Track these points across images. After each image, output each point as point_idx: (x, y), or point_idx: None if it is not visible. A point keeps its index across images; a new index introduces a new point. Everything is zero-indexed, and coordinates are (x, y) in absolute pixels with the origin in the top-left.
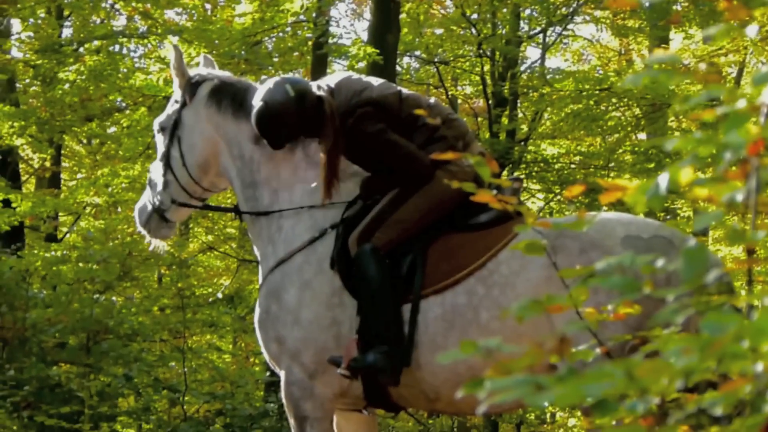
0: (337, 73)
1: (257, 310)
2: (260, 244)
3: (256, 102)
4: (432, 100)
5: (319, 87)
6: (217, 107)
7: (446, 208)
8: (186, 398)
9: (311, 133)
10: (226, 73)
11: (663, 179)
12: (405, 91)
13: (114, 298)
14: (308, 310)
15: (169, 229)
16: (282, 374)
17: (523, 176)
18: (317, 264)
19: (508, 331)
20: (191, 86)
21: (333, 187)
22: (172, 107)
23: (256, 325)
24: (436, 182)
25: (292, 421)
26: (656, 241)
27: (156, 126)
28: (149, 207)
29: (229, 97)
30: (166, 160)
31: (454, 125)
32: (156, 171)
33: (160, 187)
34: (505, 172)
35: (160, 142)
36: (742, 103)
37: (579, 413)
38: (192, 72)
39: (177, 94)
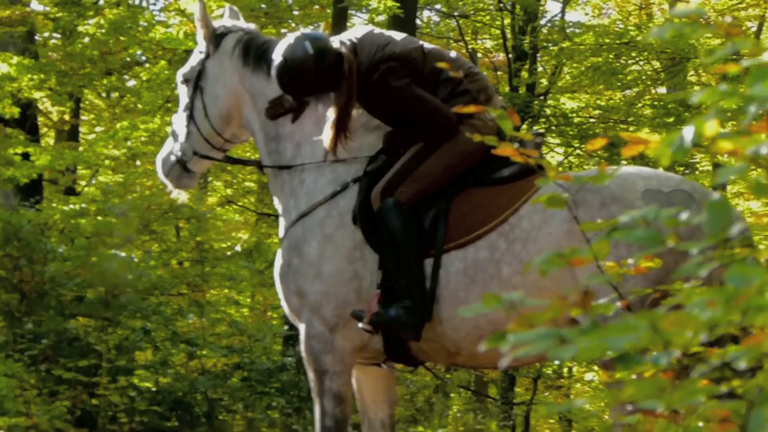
0: (358, 27)
1: (278, 263)
2: (282, 197)
3: (276, 57)
4: (453, 54)
5: (341, 42)
6: (243, 59)
7: (469, 163)
8: (204, 352)
9: (330, 88)
10: (251, 25)
11: (688, 132)
12: (427, 45)
13: (133, 255)
14: (329, 264)
15: (191, 179)
16: (302, 327)
17: (543, 131)
18: (339, 218)
19: (529, 285)
20: (216, 37)
21: (339, 143)
22: (196, 58)
23: (277, 278)
24: (459, 136)
25: (311, 374)
26: (677, 195)
27: (179, 77)
28: (172, 158)
29: (256, 50)
30: (190, 111)
31: (476, 79)
32: (178, 122)
33: (182, 138)
34: (524, 126)
35: (183, 93)
36: (767, 56)
37: (597, 367)
38: (217, 23)
39: (201, 45)
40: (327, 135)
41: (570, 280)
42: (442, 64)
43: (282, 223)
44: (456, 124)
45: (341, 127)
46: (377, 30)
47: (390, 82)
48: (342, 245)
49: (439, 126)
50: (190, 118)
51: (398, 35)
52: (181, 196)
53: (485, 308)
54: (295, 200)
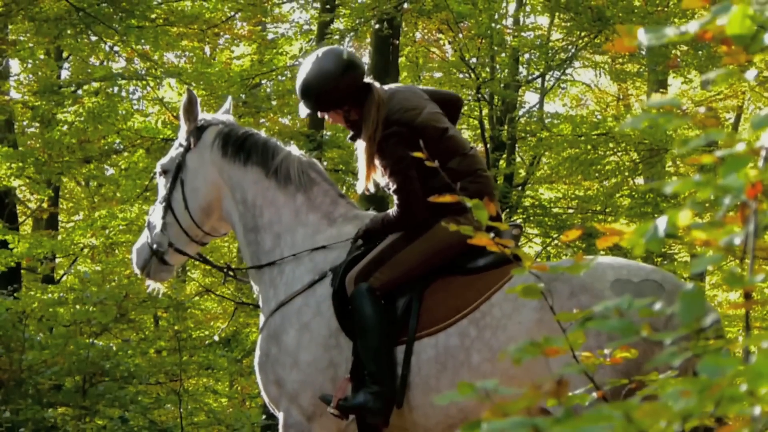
0: (405, 85)
1: (257, 352)
2: (262, 287)
3: (307, 69)
4: (473, 150)
5: (375, 83)
6: (222, 152)
7: (447, 255)
8: None
9: (355, 105)
10: (229, 117)
11: (662, 222)
12: (452, 130)
13: (112, 344)
14: (306, 352)
15: (168, 272)
16: (280, 416)
17: (520, 221)
18: (316, 306)
19: (499, 373)
20: (197, 130)
21: (372, 176)
22: (175, 150)
23: (256, 368)
24: (439, 229)
25: None
26: (646, 285)
27: (158, 168)
28: (147, 249)
29: (235, 142)
30: (168, 202)
31: (481, 181)
32: (156, 213)
33: (158, 229)
34: (503, 216)
35: (162, 184)
36: (741, 147)
37: None
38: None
39: (181, 137)
40: (362, 168)
41: (540, 369)
42: (417, 154)
43: (262, 312)
44: (423, 220)
45: (372, 159)
46: (419, 91)
47: (389, 146)
48: (318, 333)
49: (404, 213)
50: (168, 209)
51: (433, 108)
52: (156, 287)
53: (459, 396)
54: (275, 290)
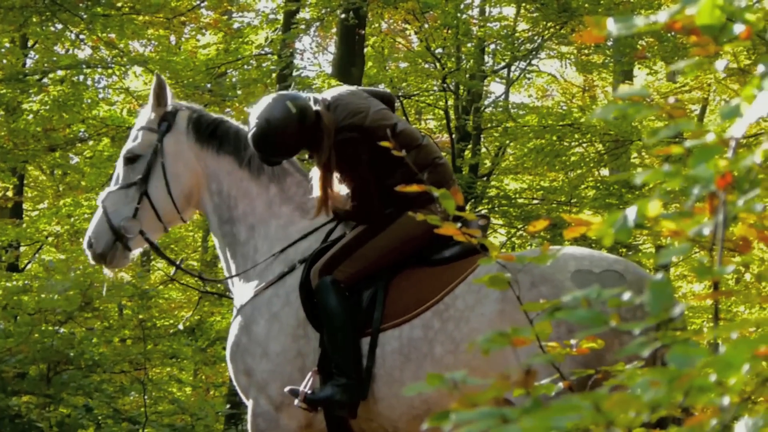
0: (341, 87)
1: (229, 342)
2: (232, 267)
3: (256, 119)
4: (426, 140)
5: (316, 101)
6: (196, 138)
7: (413, 246)
8: (146, 430)
9: (308, 147)
10: (195, 105)
11: (631, 212)
12: (402, 124)
13: (76, 332)
14: (276, 342)
15: (128, 259)
16: (249, 405)
17: (485, 211)
18: (285, 296)
19: (461, 365)
20: (168, 114)
21: (327, 203)
22: (145, 135)
23: (228, 357)
24: (405, 219)
25: None
26: (607, 275)
27: (126, 153)
28: (110, 234)
29: (206, 129)
30: (144, 188)
31: (439, 170)
32: (118, 198)
33: (128, 215)
34: (468, 207)
35: (125, 169)
36: (710, 137)
37: None
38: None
39: (147, 122)
40: (316, 196)
41: (503, 361)
42: (384, 143)
43: (234, 303)
44: (380, 219)
45: (327, 186)
46: (359, 92)
47: (345, 151)
48: (287, 323)
49: (359, 214)
50: (144, 195)
51: (377, 105)
52: (111, 274)
53: (428, 387)
54: (248, 281)
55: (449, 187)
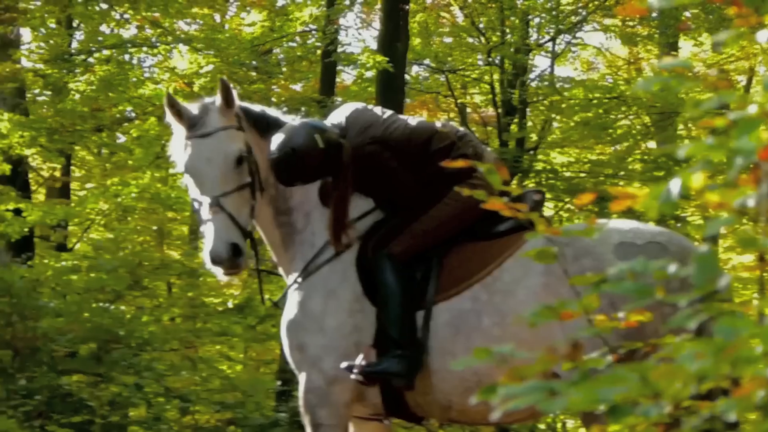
0: (346, 107)
1: (283, 318)
2: (290, 257)
3: (281, 146)
4: (438, 123)
5: (333, 126)
6: (257, 131)
7: (465, 220)
8: (197, 407)
9: (328, 176)
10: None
11: (675, 184)
12: (412, 121)
13: (122, 307)
14: (332, 318)
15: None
16: (301, 381)
17: (532, 185)
18: (342, 272)
19: (508, 337)
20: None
21: (342, 234)
22: (237, 135)
23: (282, 334)
24: (455, 195)
25: (308, 428)
26: (650, 247)
27: (237, 154)
28: (240, 237)
29: (258, 121)
30: (259, 185)
31: (467, 141)
32: (235, 201)
33: (246, 215)
34: (514, 181)
35: (233, 172)
36: (753, 109)
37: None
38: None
39: (227, 121)
40: (331, 232)
41: (548, 333)
42: (448, 163)
43: (289, 280)
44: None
45: (341, 219)
46: (364, 108)
47: (372, 165)
48: (344, 299)
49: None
50: (254, 192)
51: (383, 113)
52: (226, 279)
53: (476, 361)
54: (303, 258)
55: (480, 151)
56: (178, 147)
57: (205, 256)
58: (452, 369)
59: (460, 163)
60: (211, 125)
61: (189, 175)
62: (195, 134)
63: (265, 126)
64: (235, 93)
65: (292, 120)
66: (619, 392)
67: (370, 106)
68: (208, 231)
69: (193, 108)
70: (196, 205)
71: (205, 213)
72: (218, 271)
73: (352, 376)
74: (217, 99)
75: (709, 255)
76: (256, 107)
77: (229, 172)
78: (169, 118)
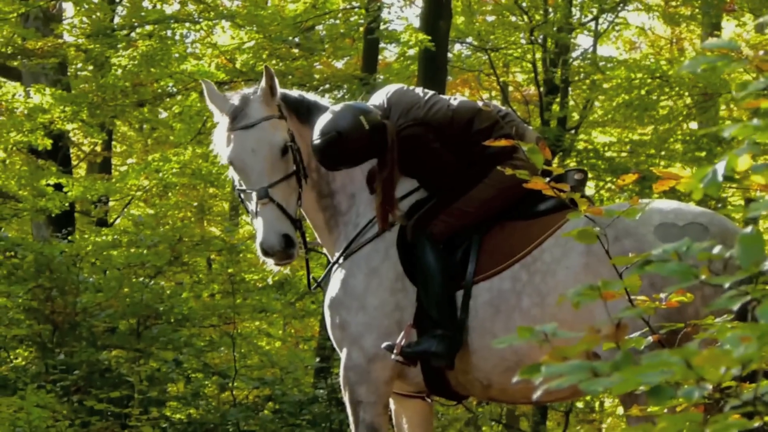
0: (389, 87)
1: (326, 297)
2: (334, 236)
3: (326, 129)
4: (480, 102)
5: (377, 107)
6: (297, 117)
7: (506, 200)
8: (235, 384)
9: (373, 158)
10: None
11: (720, 166)
12: (453, 102)
13: (162, 283)
14: (373, 296)
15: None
16: (342, 358)
17: (573, 164)
18: (384, 251)
19: (547, 317)
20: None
21: (390, 215)
22: (280, 124)
23: (324, 311)
24: (496, 174)
25: (347, 406)
26: (692, 228)
27: (280, 144)
28: (292, 227)
29: (297, 107)
30: (303, 173)
31: (509, 120)
32: (283, 191)
33: (294, 204)
34: (555, 160)
35: (279, 161)
36: None
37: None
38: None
39: (270, 110)
40: (378, 212)
41: (588, 314)
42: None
43: (332, 259)
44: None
45: (389, 199)
46: (406, 89)
47: (414, 147)
48: (386, 277)
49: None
50: (301, 179)
51: (425, 94)
52: (277, 269)
53: (518, 340)
54: (347, 238)
55: (521, 130)
56: (221, 139)
57: (257, 247)
58: (492, 348)
59: (502, 143)
60: (253, 116)
61: (234, 167)
62: (238, 126)
63: (305, 112)
64: (277, 82)
65: (331, 103)
66: (662, 375)
67: (411, 87)
68: (258, 223)
69: (233, 98)
70: (242, 196)
71: (254, 205)
72: (270, 262)
73: (393, 357)
74: (259, 88)
75: (755, 236)
76: (294, 92)
77: (275, 162)
78: (211, 107)
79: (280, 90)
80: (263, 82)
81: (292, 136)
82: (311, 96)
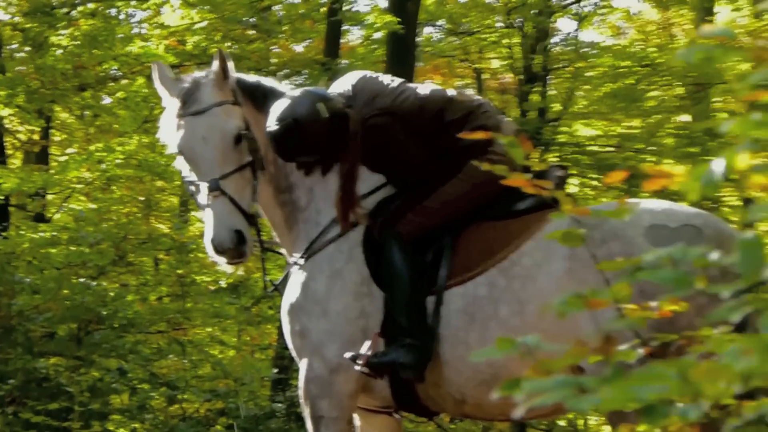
0: (351, 75)
1: (284, 301)
2: (292, 237)
3: (281, 117)
4: (452, 91)
5: (340, 97)
6: (252, 105)
7: (482, 198)
8: (185, 396)
9: (333, 150)
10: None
11: (718, 164)
12: (422, 89)
13: (104, 284)
14: (337, 301)
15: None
16: (301, 369)
17: (554, 159)
18: (348, 252)
19: (528, 328)
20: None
21: (350, 214)
22: (234, 110)
23: (282, 317)
24: (470, 169)
25: (308, 420)
26: (685, 230)
27: (233, 132)
28: (245, 224)
29: (260, 95)
30: (259, 164)
31: (484, 110)
32: (236, 183)
33: (249, 197)
34: (535, 155)
35: (232, 150)
36: None
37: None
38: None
39: (223, 95)
40: (339, 210)
41: (572, 324)
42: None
43: (290, 260)
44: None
45: (350, 196)
46: (370, 75)
47: (379, 139)
48: (350, 281)
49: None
50: (256, 171)
51: (392, 82)
52: (231, 270)
53: (497, 353)
54: (307, 237)
55: (497, 121)
56: (169, 126)
57: (207, 245)
58: (466, 360)
59: (478, 135)
60: (204, 101)
61: (183, 157)
62: (188, 112)
63: (261, 98)
64: (231, 65)
65: (291, 89)
66: (655, 391)
67: (377, 74)
68: (208, 217)
69: (184, 81)
70: (192, 188)
71: (204, 198)
72: (222, 261)
73: (357, 368)
74: (211, 71)
75: (755, 241)
76: (251, 77)
77: (227, 151)
78: (159, 91)
79: (234, 74)
80: (215, 65)
81: (247, 123)
82: (268, 81)
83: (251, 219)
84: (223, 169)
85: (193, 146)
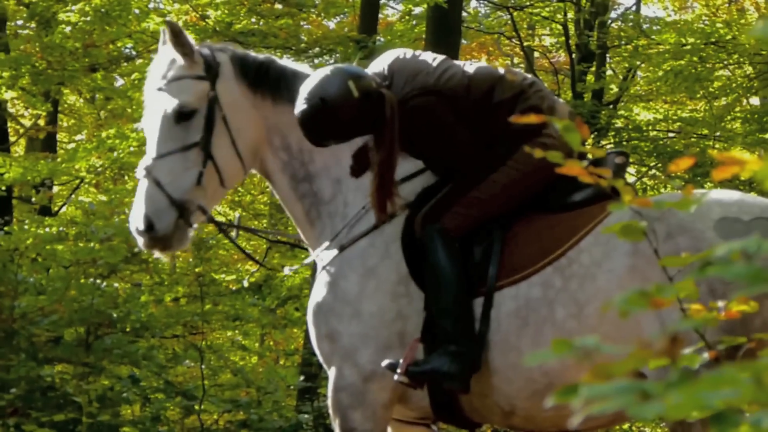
0: (390, 53)
1: (311, 301)
2: (318, 230)
3: (308, 95)
4: (502, 69)
5: (375, 75)
6: (248, 84)
7: (535, 188)
8: (203, 406)
9: (366, 133)
10: (228, 45)
11: None
12: (469, 67)
13: (120, 288)
14: (370, 302)
15: (189, 237)
16: (331, 377)
17: (611, 145)
18: (383, 248)
19: (586, 331)
20: (210, 58)
21: (387, 205)
22: (194, 85)
23: (309, 321)
24: (522, 157)
25: None
26: (759, 223)
27: (174, 108)
28: (172, 208)
29: (257, 73)
30: (209, 148)
31: (536, 90)
32: (170, 166)
33: (188, 184)
34: (590, 141)
35: (174, 129)
36: None
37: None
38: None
39: (188, 69)
40: (374, 200)
41: (634, 326)
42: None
43: (316, 256)
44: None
45: (387, 185)
46: (410, 54)
47: (422, 120)
48: (386, 280)
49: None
50: (209, 157)
51: (433, 59)
52: (166, 258)
53: (553, 356)
54: (333, 230)
55: (552, 102)
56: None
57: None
58: (518, 368)
59: (530, 118)
60: (167, 76)
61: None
62: (154, 87)
63: (254, 75)
64: (190, 38)
65: (312, 69)
66: (727, 396)
67: (418, 52)
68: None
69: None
70: None
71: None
72: (144, 247)
73: (396, 378)
74: (166, 47)
75: None
76: (260, 55)
77: (166, 130)
78: (171, 54)
79: (234, 50)
80: (160, 41)
81: (211, 100)
82: (287, 62)
83: (179, 205)
84: (159, 149)
85: (145, 125)
